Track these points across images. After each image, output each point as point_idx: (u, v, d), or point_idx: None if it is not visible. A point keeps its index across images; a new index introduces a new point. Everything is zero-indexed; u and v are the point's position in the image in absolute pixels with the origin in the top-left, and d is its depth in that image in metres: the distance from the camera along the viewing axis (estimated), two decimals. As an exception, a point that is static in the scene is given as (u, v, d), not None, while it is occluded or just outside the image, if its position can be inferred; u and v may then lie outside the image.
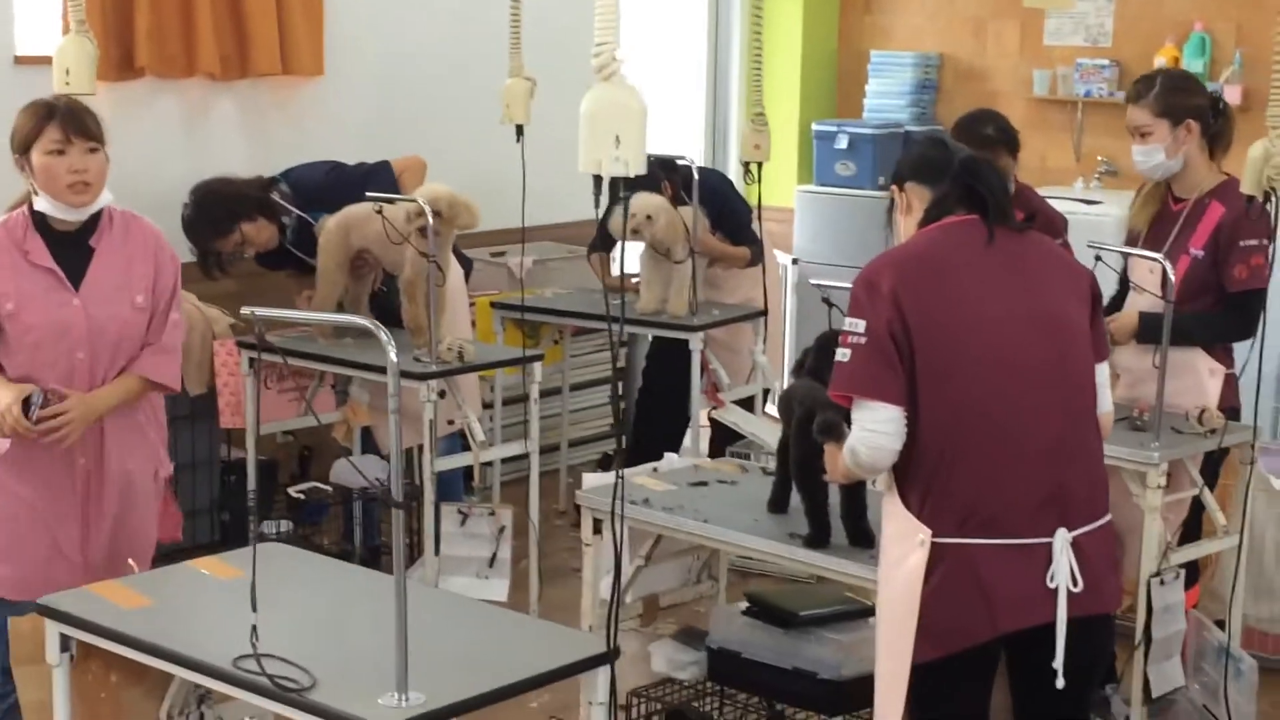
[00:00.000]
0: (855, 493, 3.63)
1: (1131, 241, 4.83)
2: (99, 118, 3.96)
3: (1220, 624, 4.62)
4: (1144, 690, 4.37)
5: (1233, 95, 7.12)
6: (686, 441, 6.66)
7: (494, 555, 5.27)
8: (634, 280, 6.46)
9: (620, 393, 7.08)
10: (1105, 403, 3.35)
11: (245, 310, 2.74)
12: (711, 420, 6.36)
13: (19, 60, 5.68)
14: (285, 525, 5.87)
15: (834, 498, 3.67)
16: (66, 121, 3.88)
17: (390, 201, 5.18)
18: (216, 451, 5.98)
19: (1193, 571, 4.73)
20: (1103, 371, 3.33)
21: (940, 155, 3.37)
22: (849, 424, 3.41)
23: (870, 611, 4.05)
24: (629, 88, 2.67)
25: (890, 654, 3.25)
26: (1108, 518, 3.29)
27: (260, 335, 4.85)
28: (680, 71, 8.55)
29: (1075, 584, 3.16)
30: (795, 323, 8.11)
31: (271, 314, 2.77)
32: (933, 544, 3.14)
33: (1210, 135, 4.68)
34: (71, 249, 3.94)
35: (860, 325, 3.16)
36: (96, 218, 3.98)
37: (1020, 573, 3.16)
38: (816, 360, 3.68)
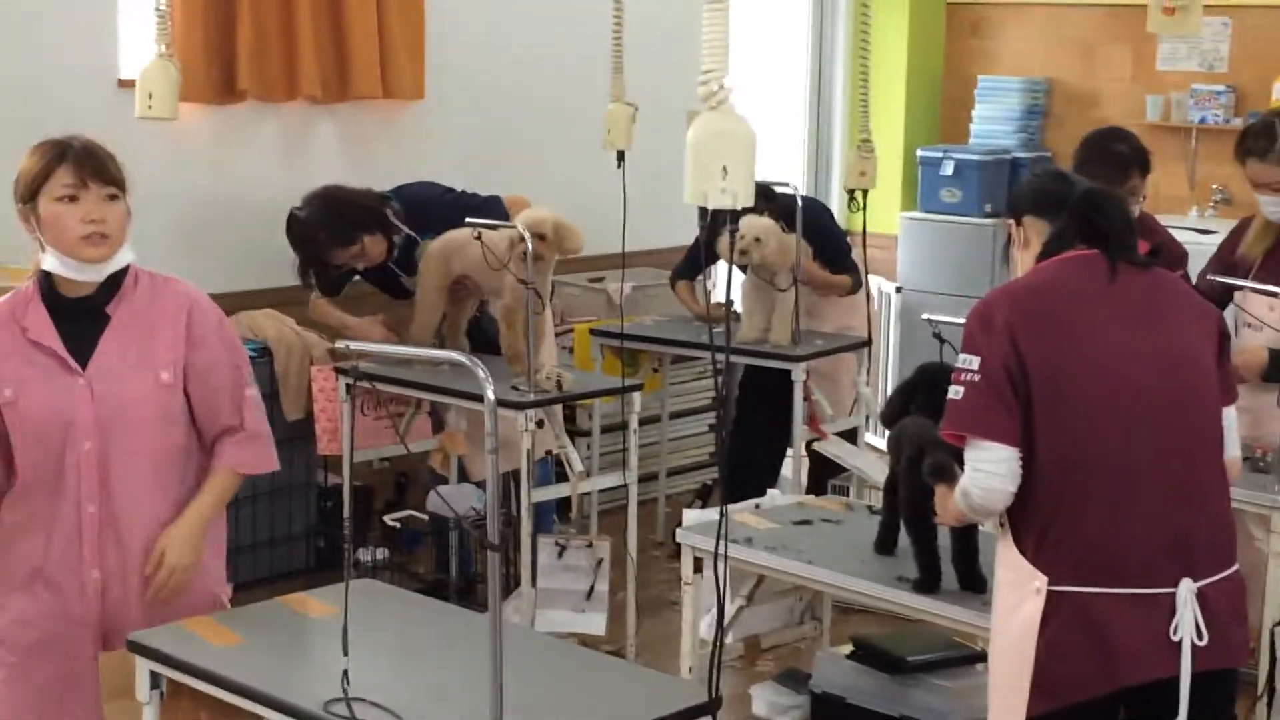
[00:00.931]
0: (967, 535, 3.50)
1: (1237, 271, 4.67)
2: (119, 162, 3.33)
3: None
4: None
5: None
6: (786, 473, 6.55)
7: (591, 588, 5.18)
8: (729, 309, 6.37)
9: (720, 423, 6.97)
10: (1233, 447, 3.20)
11: (340, 344, 2.66)
12: (812, 452, 6.23)
13: (122, 84, 5.67)
14: (381, 553, 5.84)
15: (944, 540, 3.54)
16: (82, 162, 3.25)
17: (491, 227, 5.12)
18: (313, 476, 5.95)
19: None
20: (1230, 415, 3.18)
21: (1059, 188, 3.24)
22: (960, 464, 3.29)
23: (980, 657, 3.92)
24: (737, 116, 2.57)
25: (1003, 705, 3.12)
26: (1235, 567, 3.14)
27: (355, 369, 4.69)
28: (781, 96, 8.45)
29: (1200, 637, 3.02)
30: (898, 352, 7.98)
31: (365, 347, 2.68)
32: (1049, 592, 3.01)
33: None
34: (85, 319, 3.31)
35: (974, 362, 3.04)
36: (117, 280, 3.34)
37: (1141, 624, 3.02)
38: (924, 396, 3.56)
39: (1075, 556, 3.01)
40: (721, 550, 2.93)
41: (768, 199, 6.11)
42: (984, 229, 7.97)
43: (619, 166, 5.17)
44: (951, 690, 3.77)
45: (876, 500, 5.18)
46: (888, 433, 3.84)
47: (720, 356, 6.27)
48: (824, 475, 6.23)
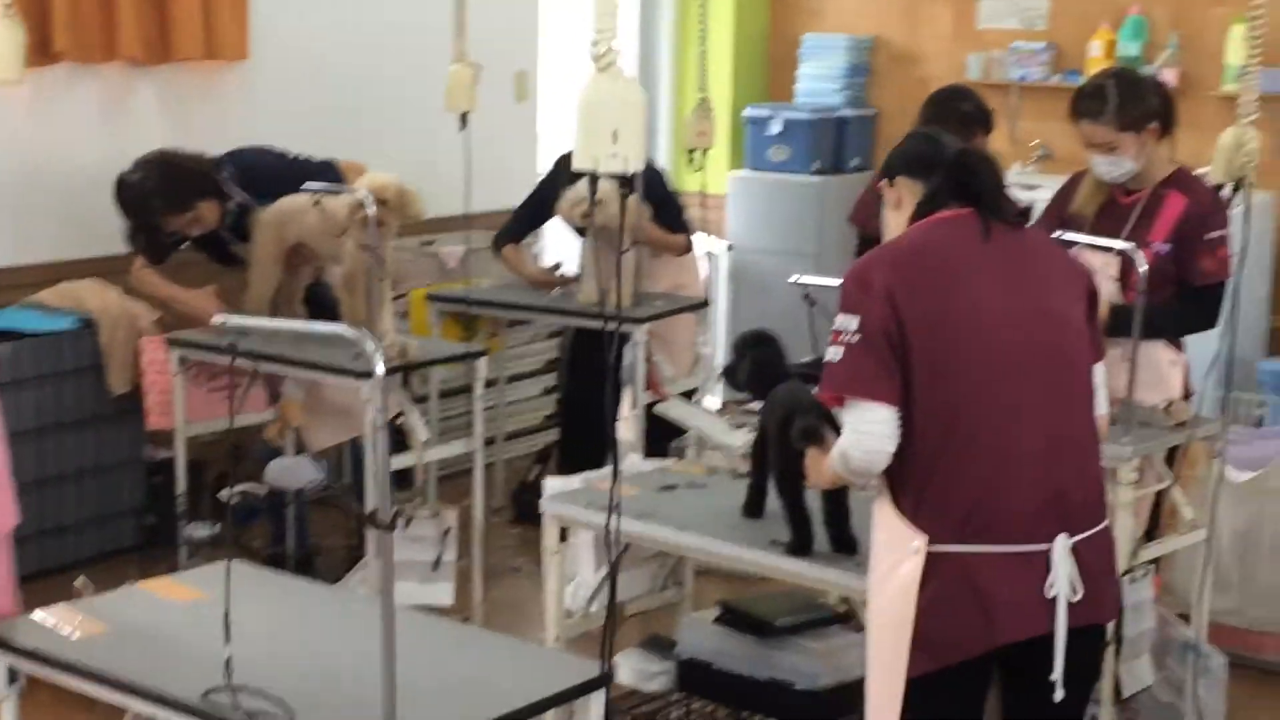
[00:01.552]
0: (838, 498, 3.49)
1: (1070, 228, 4.72)
2: None
3: (1182, 618, 4.55)
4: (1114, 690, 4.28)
5: (1168, 78, 7.06)
6: (628, 435, 6.52)
7: (439, 558, 5.09)
8: (558, 272, 6.32)
9: (556, 386, 6.93)
10: (1102, 404, 3.24)
11: (218, 318, 2.55)
12: (651, 414, 6.21)
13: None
14: (213, 528, 5.68)
15: (814, 502, 3.53)
16: None
17: (331, 193, 4.98)
18: (140, 452, 5.76)
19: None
20: (1100, 372, 3.21)
21: (932, 149, 3.24)
22: (831, 426, 3.29)
23: (845, 618, 3.93)
24: (627, 80, 2.51)
25: (883, 667, 3.12)
26: (1106, 523, 3.18)
27: (233, 346, 4.38)
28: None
29: (1075, 593, 3.05)
30: (731, 310, 7.99)
31: (247, 323, 2.57)
32: (928, 552, 3.01)
33: (1160, 121, 4.57)
34: None
35: (853, 323, 3.02)
36: None
37: (1019, 581, 3.04)
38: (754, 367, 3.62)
39: (954, 516, 3.02)
40: (613, 524, 2.89)
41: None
42: (812, 186, 7.99)
43: (462, 129, 5.08)
44: (818, 651, 3.78)
45: (718, 460, 5.18)
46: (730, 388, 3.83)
47: (562, 321, 6.26)
48: (664, 437, 6.21)
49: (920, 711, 3.08)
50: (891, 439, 3.01)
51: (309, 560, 5.73)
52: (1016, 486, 3.03)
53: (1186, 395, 4.61)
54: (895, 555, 3.07)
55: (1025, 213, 3.30)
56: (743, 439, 5.62)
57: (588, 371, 6.53)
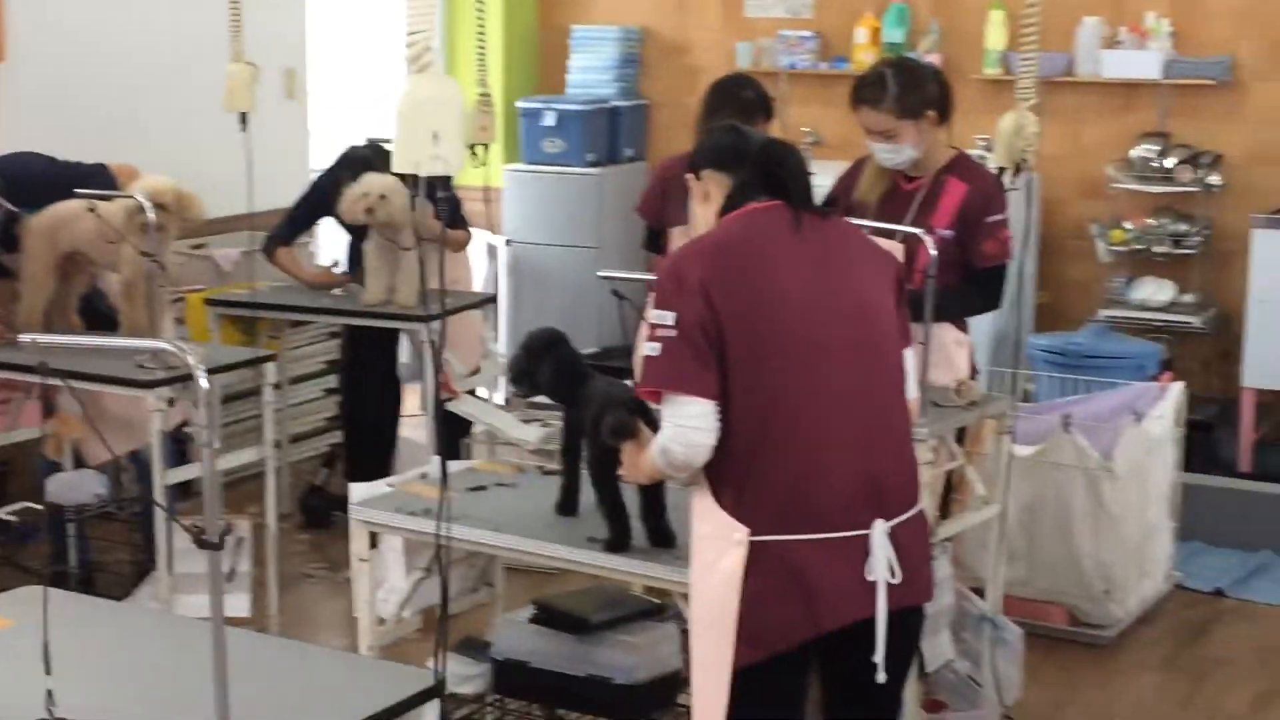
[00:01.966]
0: (655, 492, 3.50)
1: (853, 215, 4.80)
2: None
3: (976, 592, 4.67)
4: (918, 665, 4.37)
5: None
6: (418, 437, 6.47)
7: (233, 569, 4.98)
8: (336, 271, 6.24)
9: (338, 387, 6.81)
10: (913, 389, 3.29)
11: (25, 337, 2.44)
12: (444, 413, 6.16)
13: None
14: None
15: (630, 497, 3.53)
16: None
17: (105, 198, 4.82)
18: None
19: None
20: (910, 357, 3.27)
21: (738, 141, 3.25)
22: (645, 420, 3.29)
23: (659, 610, 3.94)
24: (445, 80, 2.47)
25: (708, 659, 3.13)
26: (921, 506, 3.24)
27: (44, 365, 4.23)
28: (376, 54, 8.27)
29: (894, 576, 3.10)
30: (511, 304, 7.96)
31: (57, 340, 2.46)
32: (750, 543, 3.04)
33: (938, 110, 4.67)
34: None
35: (670, 318, 3.02)
36: None
37: (839, 567, 3.08)
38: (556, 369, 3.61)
39: (774, 506, 3.04)
40: (444, 532, 2.84)
41: (384, 158, 5.99)
42: (588, 178, 8.01)
43: (243, 129, 4.95)
44: (635, 645, 3.77)
45: (510, 456, 5.16)
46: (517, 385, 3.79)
47: (343, 322, 6.16)
48: (456, 435, 6.17)
49: (746, 701, 3.10)
50: (711, 432, 3.02)
51: (90, 578, 5.56)
52: (834, 475, 3.07)
53: (973, 374, 4.72)
54: (718, 547, 3.08)
55: (833, 202, 3.34)
56: (535, 433, 5.61)
57: (365, 373, 6.46)
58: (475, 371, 6.24)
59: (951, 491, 4.79)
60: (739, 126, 3.41)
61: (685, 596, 3.40)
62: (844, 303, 3.12)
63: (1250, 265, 6.79)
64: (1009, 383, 5.94)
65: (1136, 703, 4.96)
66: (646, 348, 3.06)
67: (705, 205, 3.25)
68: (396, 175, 5.63)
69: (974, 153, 4.86)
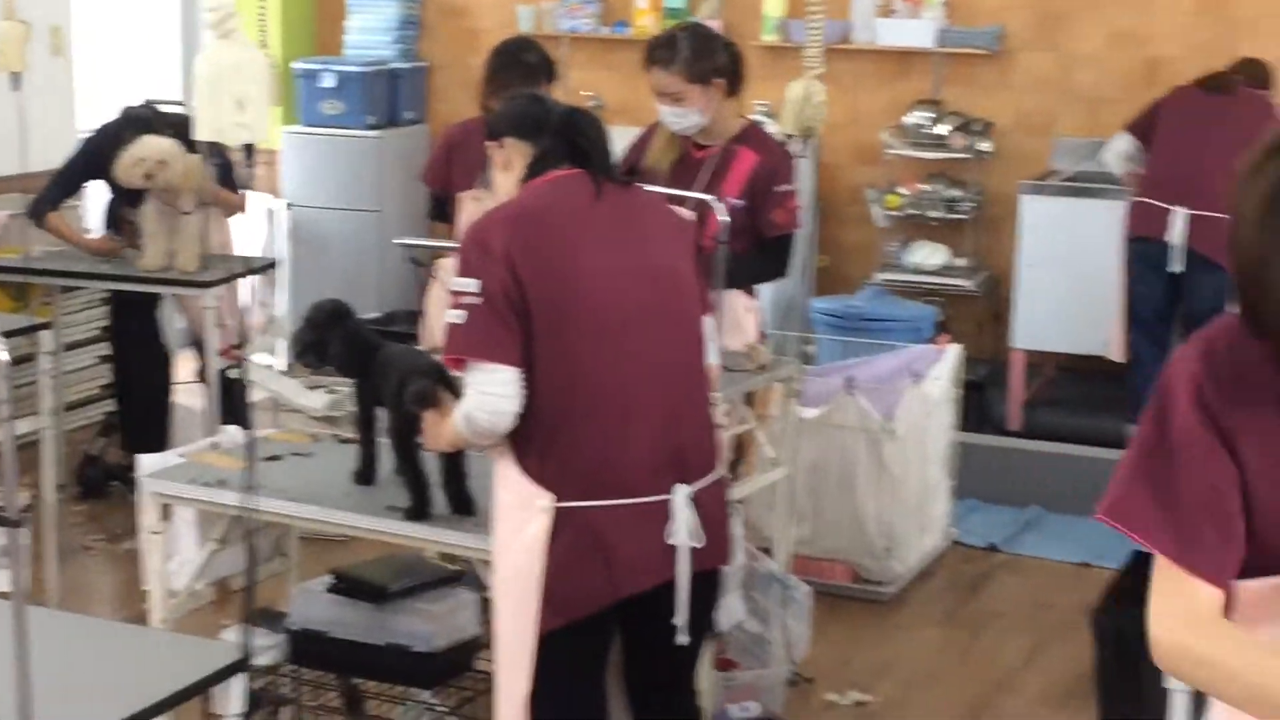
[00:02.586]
0: (455, 460, 3.49)
1: (647, 182, 4.84)
2: None
3: (764, 552, 4.76)
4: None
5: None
6: (197, 404, 6.34)
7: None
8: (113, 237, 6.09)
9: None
10: (713, 355, 3.34)
11: None
12: (225, 380, 6.05)
13: None
14: None
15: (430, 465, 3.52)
16: None
17: None
18: None
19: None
20: (710, 324, 3.31)
21: (539, 110, 3.25)
22: (447, 388, 3.28)
23: (459, 577, 3.94)
24: (249, 46, 2.43)
25: (512, 625, 3.15)
26: (721, 471, 3.29)
27: None
28: (149, 15, 8.04)
29: (695, 540, 3.15)
30: (292, 268, 7.83)
31: None
32: (555, 509, 3.06)
33: (727, 78, 4.72)
34: None
35: (474, 285, 3.02)
36: None
37: (642, 533, 3.12)
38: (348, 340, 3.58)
39: (579, 473, 3.07)
40: (228, 499, 2.79)
41: (164, 120, 5.85)
42: (368, 141, 7.92)
43: (16, 88, 4.79)
44: (434, 613, 3.76)
45: (295, 423, 5.09)
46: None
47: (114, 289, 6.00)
48: (238, 404, 6.06)
49: (550, 666, 3.12)
50: (516, 400, 3.03)
51: None
52: (637, 441, 3.10)
53: (761, 339, 4.80)
54: (522, 514, 3.10)
55: (634, 170, 3.36)
56: (320, 400, 5.54)
57: (132, 340, 6.32)
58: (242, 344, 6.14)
59: (740, 454, 4.88)
60: (540, 95, 3.42)
61: (486, 563, 3.41)
62: (645, 270, 3.15)
63: (1019, 230, 7.00)
64: (792, 346, 6.04)
65: (918, 656, 5.11)
66: (450, 315, 3.05)
67: (507, 173, 3.25)
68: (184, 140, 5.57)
69: (754, 118, 4.94)
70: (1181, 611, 1.80)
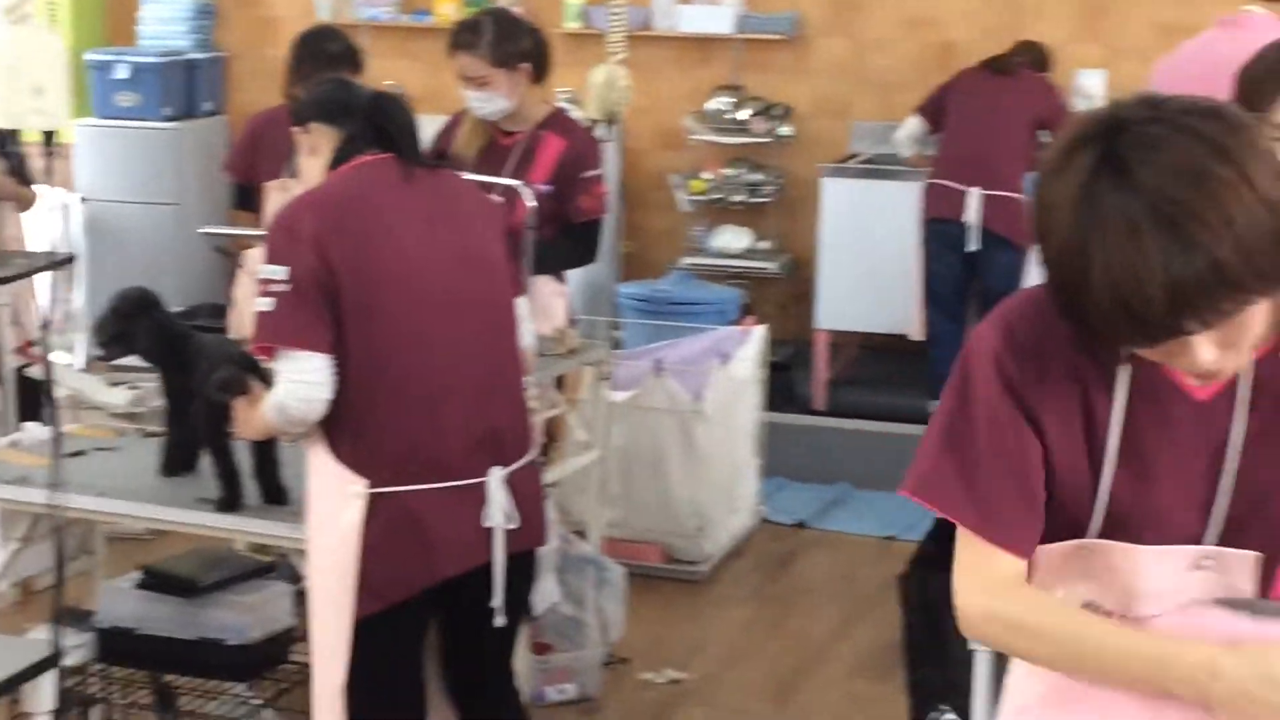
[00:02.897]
0: (267, 449, 3.47)
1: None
2: None
3: (577, 535, 4.80)
4: (525, 609, 4.46)
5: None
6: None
7: None
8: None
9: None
10: (527, 336, 3.36)
11: None
12: (22, 378, 5.90)
13: None
14: None
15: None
16: None
17: None
18: None
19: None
20: (523, 305, 3.34)
21: (346, 94, 3.24)
22: (256, 376, 3.26)
23: (271, 568, 3.91)
24: (45, 31, 2.39)
25: (328, 612, 3.14)
26: (535, 453, 3.32)
27: None
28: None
29: (510, 522, 3.17)
30: (88, 263, 7.67)
31: None
32: (370, 495, 3.06)
33: (532, 63, 4.74)
34: None
35: (283, 272, 3.00)
36: None
37: (458, 516, 3.14)
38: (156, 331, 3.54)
39: (392, 457, 3.07)
40: (36, 497, 2.74)
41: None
42: (166, 132, 7.77)
43: None
44: (247, 605, 3.74)
45: (96, 419, 4.99)
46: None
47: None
48: (35, 401, 5.91)
49: (367, 652, 3.12)
50: (328, 387, 3.02)
51: None
52: (450, 425, 3.12)
53: (570, 323, 4.83)
54: (336, 501, 3.09)
55: (443, 155, 3.37)
56: (123, 397, 5.45)
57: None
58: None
59: (551, 438, 4.90)
60: (346, 80, 3.41)
61: (301, 553, 3.40)
62: (456, 254, 3.16)
63: (820, 212, 7.12)
64: (601, 331, 6.08)
65: (730, 633, 5.18)
66: (259, 303, 3.03)
67: (314, 158, 3.23)
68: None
69: (560, 105, 4.97)
70: (986, 581, 1.86)
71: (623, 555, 5.19)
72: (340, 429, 3.07)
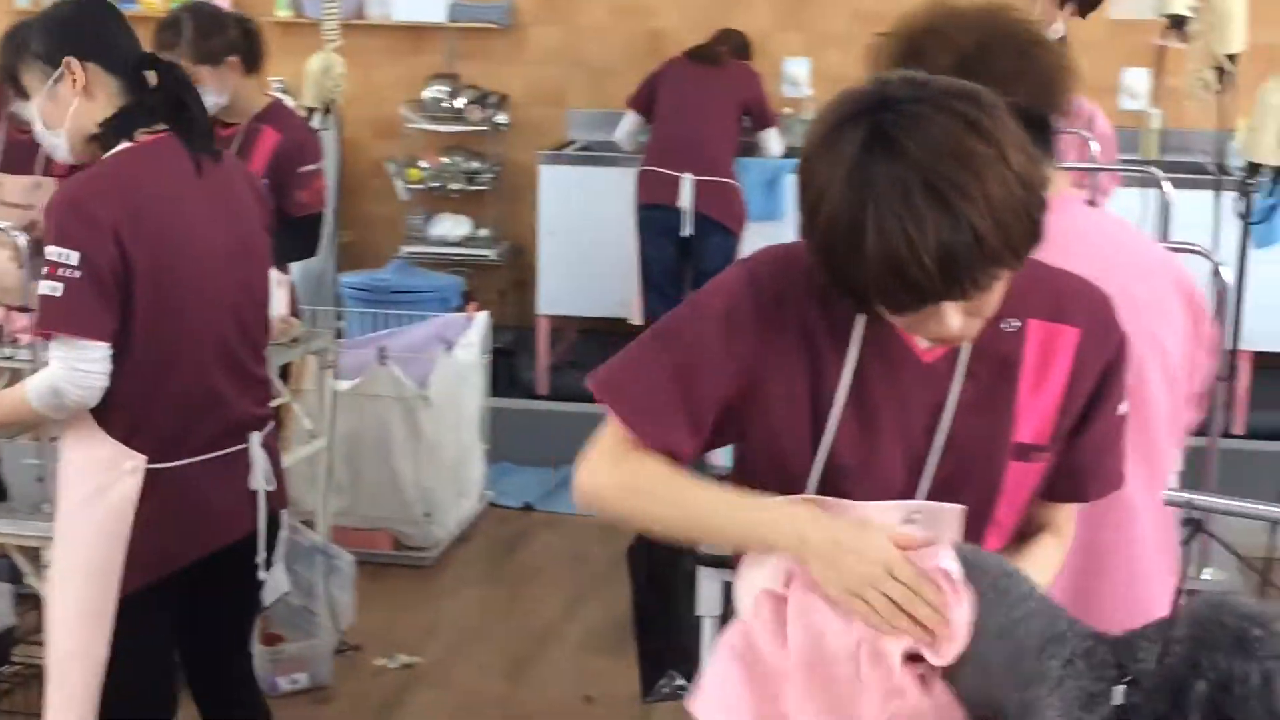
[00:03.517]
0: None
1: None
2: None
3: (305, 524, 4.79)
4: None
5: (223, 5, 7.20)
6: None
7: None
8: None
9: None
10: (278, 305, 3.40)
11: None
12: None
13: None
14: None
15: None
16: None
17: None
18: None
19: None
20: (273, 276, 3.37)
21: (129, 44, 3.12)
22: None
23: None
24: None
25: (87, 594, 3.06)
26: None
27: None
28: None
29: (270, 483, 3.23)
30: None
31: None
32: (146, 470, 3.04)
33: (241, 55, 4.68)
34: None
35: (74, 257, 2.92)
36: None
37: (229, 485, 3.18)
38: None
39: (171, 433, 3.08)
40: None
41: None
42: None
43: None
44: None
45: None
46: None
47: None
48: None
49: (129, 628, 3.08)
50: (106, 376, 2.99)
51: None
52: (222, 400, 3.14)
53: (294, 313, 4.81)
54: (104, 478, 3.05)
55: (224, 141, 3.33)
56: None
57: None
58: None
59: (278, 428, 4.87)
60: (128, 27, 3.22)
61: (23, 550, 3.34)
62: (236, 247, 3.19)
63: (538, 199, 7.21)
64: (323, 321, 6.05)
65: (462, 615, 5.24)
66: (44, 286, 2.95)
67: (89, 101, 3.06)
68: None
69: (277, 95, 4.93)
70: (612, 457, 1.98)
71: (351, 543, 5.18)
72: (116, 409, 3.03)
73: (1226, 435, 5.32)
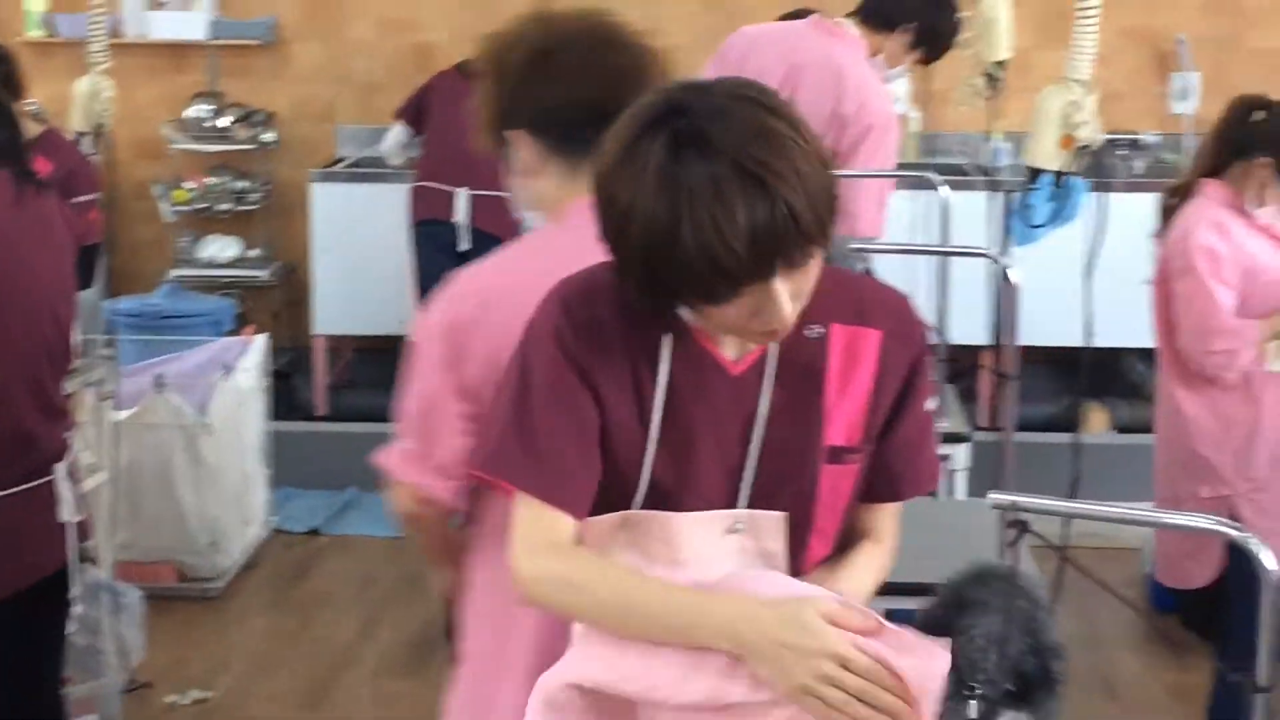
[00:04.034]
0: None
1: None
2: None
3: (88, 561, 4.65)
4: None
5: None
6: None
7: None
8: None
9: None
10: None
11: None
12: None
13: None
14: None
15: None
16: None
17: None
18: None
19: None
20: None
21: None
22: None
23: None
24: None
25: None
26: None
27: None
28: None
29: (77, 514, 3.18)
30: None
31: None
32: None
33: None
34: None
35: None
36: None
37: (43, 517, 3.12)
38: None
39: None
40: None
41: None
42: None
43: None
44: None
45: None
46: None
47: None
48: None
49: None
50: None
51: None
52: (35, 435, 3.09)
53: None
54: None
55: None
56: None
57: None
58: None
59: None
60: None
61: None
62: (50, 284, 3.15)
63: (310, 218, 7.12)
64: (95, 349, 5.88)
65: (253, 646, 5.14)
66: None
67: None
68: None
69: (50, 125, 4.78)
70: (540, 543, 1.94)
71: (135, 578, 5.05)
72: None
73: (993, 428, 5.47)
